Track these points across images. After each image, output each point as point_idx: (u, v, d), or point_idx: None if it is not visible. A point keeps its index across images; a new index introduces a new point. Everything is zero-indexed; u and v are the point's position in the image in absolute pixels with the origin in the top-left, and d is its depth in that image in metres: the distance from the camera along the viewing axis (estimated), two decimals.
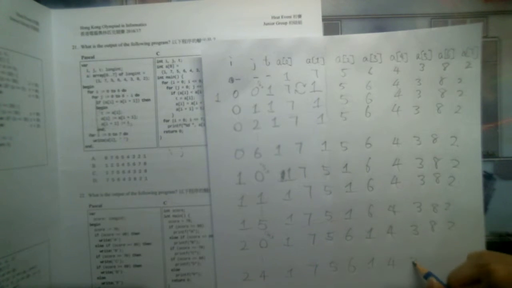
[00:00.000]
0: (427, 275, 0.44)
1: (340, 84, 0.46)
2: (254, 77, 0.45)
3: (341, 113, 0.46)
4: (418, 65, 0.46)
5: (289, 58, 0.45)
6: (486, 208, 0.47)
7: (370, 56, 0.46)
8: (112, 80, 0.47)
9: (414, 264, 0.46)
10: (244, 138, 0.45)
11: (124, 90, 0.47)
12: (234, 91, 0.45)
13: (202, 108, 0.46)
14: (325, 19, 0.47)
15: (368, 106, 0.46)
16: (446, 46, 0.46)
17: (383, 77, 0.46)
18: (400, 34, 0.46)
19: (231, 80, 0.45)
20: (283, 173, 0.46)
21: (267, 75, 0.45)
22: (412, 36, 0.46)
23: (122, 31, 0.47)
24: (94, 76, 0.47)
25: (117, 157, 0.47)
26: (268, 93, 0.45)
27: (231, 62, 0.45)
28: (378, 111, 0.46)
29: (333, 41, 0.46)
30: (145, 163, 0.47)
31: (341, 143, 0.46)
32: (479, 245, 0.46)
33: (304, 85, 0.45)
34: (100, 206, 0.47)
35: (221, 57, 0.45)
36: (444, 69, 0.46)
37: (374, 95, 0.46)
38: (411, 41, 0.46)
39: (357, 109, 0.46)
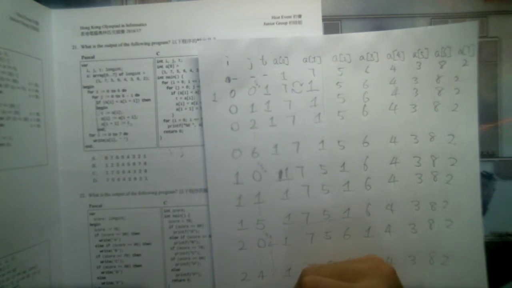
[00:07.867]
0: None
1: (337, 83, 0.46)
2: (251, 77, 0.45)
3: (338, 112, 0.46)
4: (415, 63, 0.46)
5: (285, 57, 0.45)
6: (486, 208, 0.47)
7: (366, 55, 0.45)
8: (112, 80, 0.47)
9: None
10: (241, 138, 0.45)
11: (124, 90, 0.47)
12: (231, 91, 0.45)
13: None
14: (325, 19, 0.47)
15: (365, 105, 0.46)
16: (443, 44, 0.46)
17: (380, 76, 0.46)
18: (396, 33, 0.46)
19: (228, 79, 0.45)
20: (280, 172, 0.46)
21: (264, 75, 0.45)
22: (408, 34, 0.46)
23: (122, 31, 0.47)
24: (94, 76, 0.47)
25: (117, 157, 0.47)
26: (265, 93, 0.45)
27: (227, 62, 0.45)
28: (375, 109, 0.46)
29: (330, 40, 0.46)
30: (145, 163, 0.47)
31: (339, 142, 0.46)
32: (477, 242, 0.46)
33: (301, 85, 0.45)
34: (100, 206, 0.47)
35: (217, 57, 0.45)
36: (441, 67, 0.46)
37: (371, 94, 0.46)
38: (408, 40, 0.46)
39: (354, 108, 0.46)
